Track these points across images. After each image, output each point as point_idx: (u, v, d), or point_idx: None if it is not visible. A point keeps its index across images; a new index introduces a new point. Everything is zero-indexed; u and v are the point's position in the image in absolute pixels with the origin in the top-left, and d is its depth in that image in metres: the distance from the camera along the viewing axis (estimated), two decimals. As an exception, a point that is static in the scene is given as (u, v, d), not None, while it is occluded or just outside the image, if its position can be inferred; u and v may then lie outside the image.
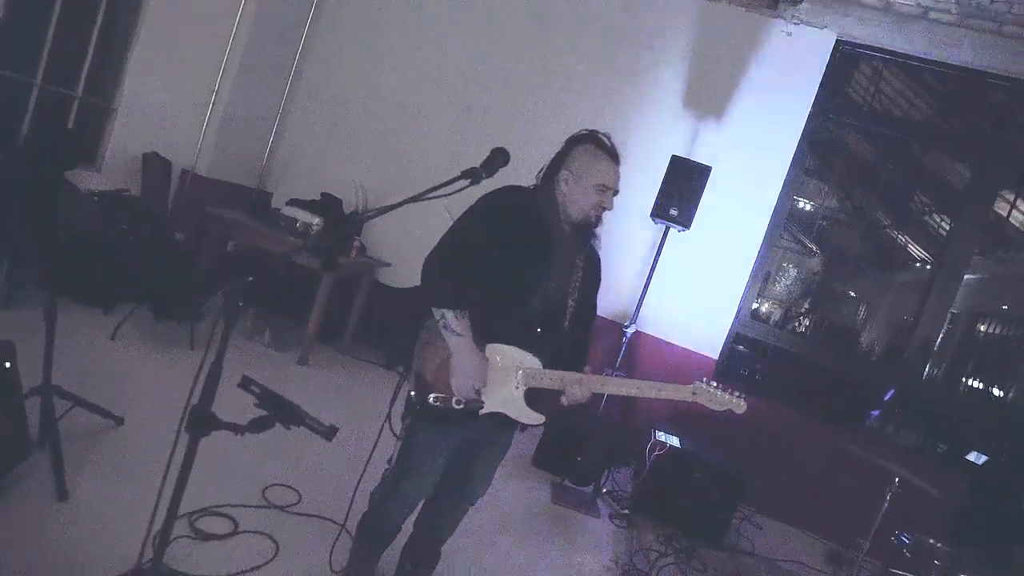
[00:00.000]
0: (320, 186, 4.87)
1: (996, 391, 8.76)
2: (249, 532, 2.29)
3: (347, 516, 2.11)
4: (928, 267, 10.39)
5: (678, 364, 4.64)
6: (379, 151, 5.25)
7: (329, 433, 1.38)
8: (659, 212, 4.05)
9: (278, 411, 1.34)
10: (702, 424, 4.24)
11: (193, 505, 2.28)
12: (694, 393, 1.80)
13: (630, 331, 4.09)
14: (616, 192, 1.89)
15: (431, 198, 1.50)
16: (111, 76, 4.37)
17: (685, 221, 4.03)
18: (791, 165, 4.63)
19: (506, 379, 1.81)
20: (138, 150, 4.54)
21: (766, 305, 10.13)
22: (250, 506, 2.45)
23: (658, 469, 3.64)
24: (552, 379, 1.80)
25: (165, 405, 3.03)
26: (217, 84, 4.80)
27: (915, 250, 10.48)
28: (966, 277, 5.31)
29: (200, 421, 1.26)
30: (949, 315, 7.02)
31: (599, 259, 2.01)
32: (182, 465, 1.31)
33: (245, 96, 5.00)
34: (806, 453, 4.39)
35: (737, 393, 1.79)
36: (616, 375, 3.80)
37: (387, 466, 1.94)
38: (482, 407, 1.79)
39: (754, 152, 4.64)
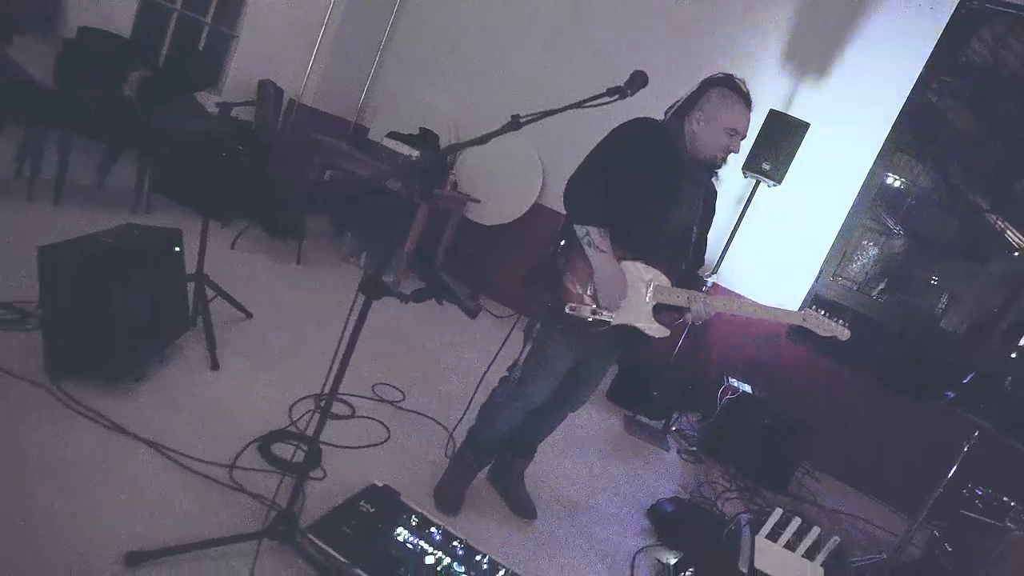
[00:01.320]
0: (417, 122, 5.08)
1: None
2: (364, 417, 2.58)
3: (460, 420, 2.36)
4: (1024, 257, 9.82)
5: (755, 324, 4.70)
6: (477, 88, 5.39)
7: (475, 309, 1.58)
8: (751, 166, 4.07)
9: (435, 284, 1.55)
10: (772, 378, 4.34)
11: (319, 388, 2.58)
12: (804, 319, 1.93)
13: (709, 282, 4.17)
14: (744, 137, 1.98)
15: (586, 106, 1.61)
16: (235, 4, 4.65)
17: (777, 176, 4.04)
18: (889, 134, 4.52)
19: (637, 293, 1.96)
20: (254, 77, 4.84)
21: (848, 283, 9.88)
22: (365, 397, 2.74)
23: (728, 412, 3.78)
24: (680, 296, 1.95)
25: (284, 308, 3.39)
26: (328, 14, 5.04)
27: (1013, 237, 9.91)
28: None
29: (373, 285, 1.48)
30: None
31: (716, 193, 2.13)
32: (355, 325, 1.53)
33: (352, 27, 5.24)
34: (874, 420, 4.42)
35: (842, 322, 1.90)
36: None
37: (508, 373, 2.15)
38: (613, 320, 1.96)
39: (853, 115, 4.55)
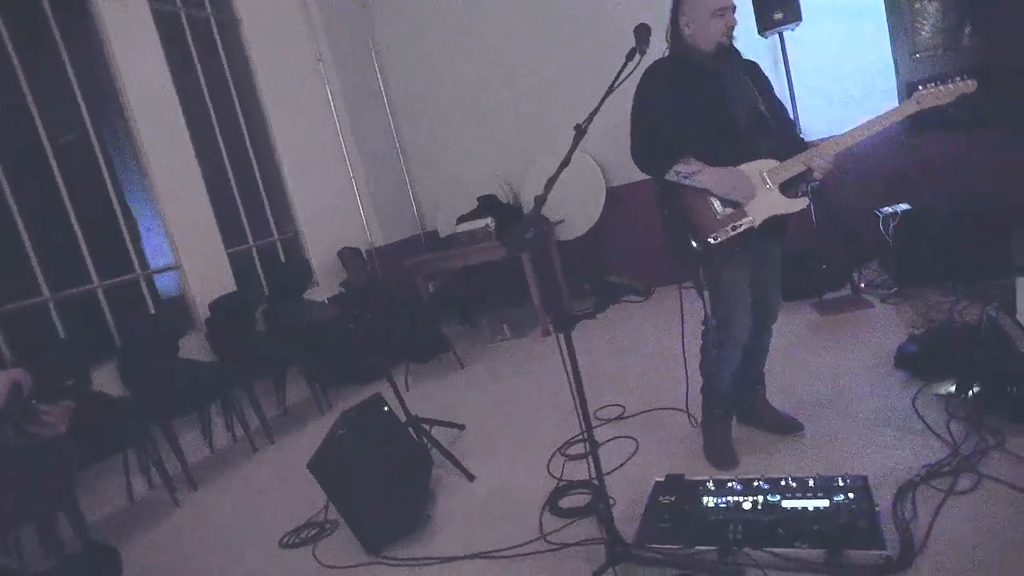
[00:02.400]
0: (471, 196, 5.42)
1: None
2: (608, 442, 2.75)
3: (687, 393, 2.49)
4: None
5: (864, 148, 4.48)
6: (487, 135, 5.71)
7: (646, 292, 1.74)
8: (765, 25, 4.02)
9: (606, 289, 1.73)
10: (919, 183, 4.11)
11: (557, 441, 2.81)
12: (918, 102, 1.93)
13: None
14: (734, 8, 2.05)
15: (618, 84, 1.77)
16: (283, 211, 5.27)
17: (794, 16, 3.96)
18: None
19: (759, 188, 2.04)
20: (331, 254, 5.39)
21: (923, 56, 9.09)
22: (596, 427, 2.92)
23: (904, 239, 3.63)
24: (793, 164, 2.01)
25: (480, 406, 3.69)
26: (349, 167, 5.59)
27: None
28: None
29: (563, 318, 1.69)
30: None
31: (756, 63, 2.19)
32: (569, 356, 1.73)
33: (371, 161, 5.76)
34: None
35: (959, 78, 1.89)
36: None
37: (704, 326, 2.27)
38: (754, 221, 2.04)
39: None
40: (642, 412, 2.95)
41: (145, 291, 4.07)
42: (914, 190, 4.14)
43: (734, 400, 2.40)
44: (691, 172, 2.01)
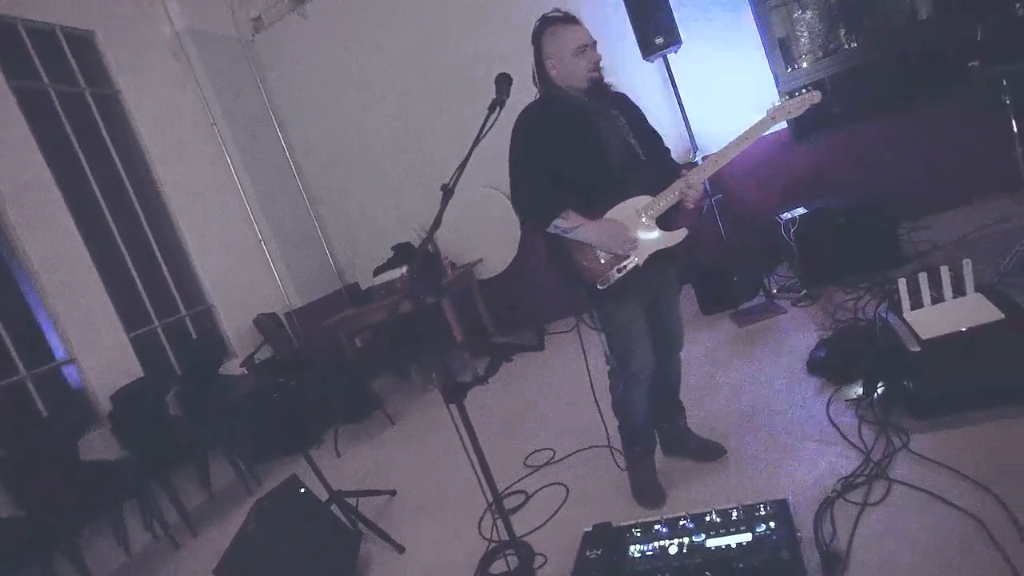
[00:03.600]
0: (386, 245, 5.30)
1: None
2: (539, 490, 2.67)
3: (607, 432, 2.44)
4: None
5: (760, 155, 4.66)
6: (397, 180, 5.64)
7: (539, 344, 1.69)
8: (648, 50, 4.14)
9: (495, 350, 1.67)
10: (813, 185, 4.28)
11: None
12: (773, 117, 1.99)
13: (700, 159, 4.21)
14: (595, 43, 2.06)
15: (483, 136, 1.73)
16: (190, 284, 5.01)
17: (674, 41, 4.10)
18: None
19: (637, 226, 2.04)
20: (246, 322, 5.15)
21: (805, 62, 9.66)
22: (526, 476, 2.84)
23: (804, 242, 3.75)
24: (666, 197, 2.02)
25: (411, 466, 3.54)
26: (257, 230, 5.40)
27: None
28: None
29: (454, 390, 1.61)
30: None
31: (625, 95, 2.19)
32: (467, 431, 1.65)
33: (279, 219, 5.60)
34: (924, 136, 4.30)
35: (804, 89, 1.96)
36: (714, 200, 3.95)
37: (607, 366, 2.24)
38: (638, 260, 2.03)
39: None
40: (572, 453, 2.88)
41: (34, 392, 3.75)
42: (810, 193, 4.31)
43: (652, 434, 2.37)
44: (571, 227, 2.00)
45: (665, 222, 2.06)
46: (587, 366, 2.35)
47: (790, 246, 3.83)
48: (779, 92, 4.65)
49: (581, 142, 2.03)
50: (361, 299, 5.26)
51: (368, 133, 5.67)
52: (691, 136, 4.30)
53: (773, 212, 4.24)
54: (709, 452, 2.38)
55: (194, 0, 5.37)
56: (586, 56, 2.02)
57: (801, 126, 4.74)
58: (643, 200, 2.04)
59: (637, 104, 2.21)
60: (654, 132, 2.20)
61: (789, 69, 4.83)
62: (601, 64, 2.06)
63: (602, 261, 2.04)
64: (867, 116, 4.55)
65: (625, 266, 2.03)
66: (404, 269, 4.68)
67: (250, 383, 4.59)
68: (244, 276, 5.29)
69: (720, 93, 4.67)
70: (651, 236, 2.05)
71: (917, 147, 4.30)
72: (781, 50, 5.17)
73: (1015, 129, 2.71)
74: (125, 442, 3.86)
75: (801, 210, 3.87)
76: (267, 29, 5.76)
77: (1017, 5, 4.62)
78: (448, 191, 1.65)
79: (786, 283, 4.02)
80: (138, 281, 4.57)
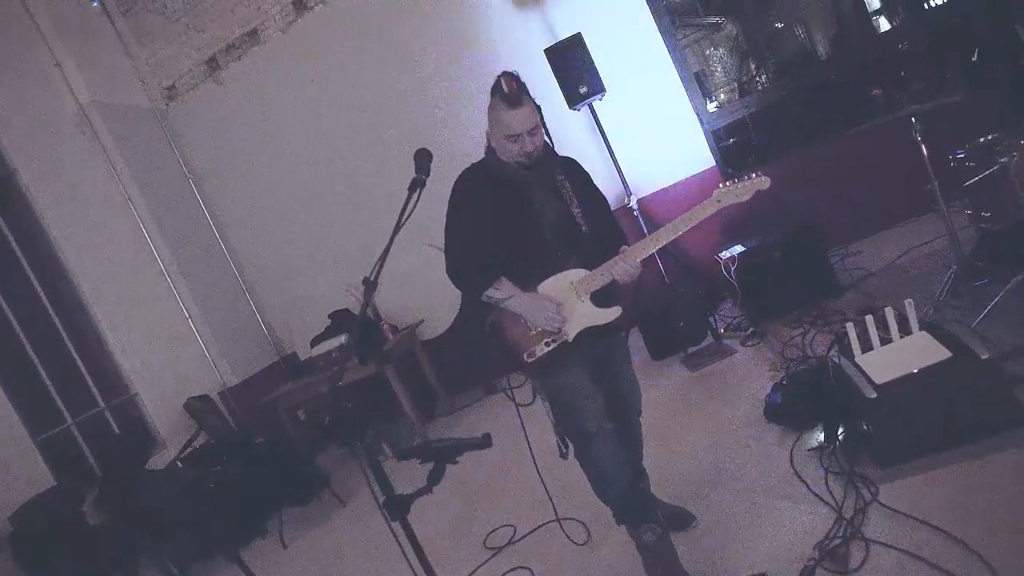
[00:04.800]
0: (322, 313, 5.05)
1: None
2: (507, 574, 2.48)
3: (553, 506, 2.29)
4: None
5: (692, 193, 4.71)
6: (332, 244, 5.44)
7: (485, 441, 1.54)
8: (573, 100, 4.15)
9: (438, 454, 1.51)
10: (748, 221, 4.33)
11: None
12: (719, 200, 1.93)
13: (634, 203, 4.21)
14: (534, 128, 1.91)
15: (403, 222, 1.63)
16: (109, 374, 4.62)
17: (598, 89, 4.13)
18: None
19: (569, 301, 1.95)
20: (176, 407, 4.78)
21: (723, 95, 10.09)
22: (489, 559, 2.64)
23: (746, 280, 3.76)
24: (601, 274, 1.94)
25: (366, 550, 3.28)
26: (183, 307, 5.07)
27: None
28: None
29: (396, 504, 1.43)
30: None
31: (573, 160, 2.12)
32: (413, 549, 1.48)
33: (206, 293, 5.27)
34: (844, 165, 4.44)
35: (754, 174, 1.92)
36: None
37: (559, 439, 2.09)
38: (568, 336, 1.94)
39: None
40: (535, 529, 2.70)
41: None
42: (744, 228, 4.36)
43: (645, 501, 2.14)
44: (502, 297, 1.91)
45: (600, 297, 1.98)
46: (527, 438, 2.20)
47: (732, 284, 3.84)
48: (704, 130, 4.75)
49: (517, 211, 1.95)
50: (300, 370, 4.98)
51: (295, 199, 5.46)
52: (623, 180, 4.30)
53: (711, 250, 4.27)
54: (679, 520, 2.26)
55: (100, 72, 5.10)
56: (517, 144, 1.91)
57: (729, 163, 4.85)
58: (578, 274, 1.96)
59: (581, 166, 2.13)
60: (601, 200, 2.13)
61: (708, 102, 4.96)
62: (534, 149, 1.93)
63: (531, 333, 1.95)
64: (789, 149, 4.70)
65: (554, 340, 1.94)
66: (343, 338, 4.45)
67: (182, 476, 4.22)
68: (171, 358, 4.93)
69: (648, 135, 4.73)
70: (583, 311, 1.96)
71: (840, 176, 4.44)
72: (700, 87, 5.35)
73: (927, 164, 2.79)
74: (31, 568, 3.42)
75: (739, 247, 3.90)
76: (182, 98, 5.53)
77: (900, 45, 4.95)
78: (371, 284, 1.53)
79: (732, 322, 4.01)
80: (45, 377, 4.17)
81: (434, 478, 1.51)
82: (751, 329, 3.72)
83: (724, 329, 3.94)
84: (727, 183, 1.96)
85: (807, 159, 4.56)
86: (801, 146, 4.69)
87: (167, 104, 5.56)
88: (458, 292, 2.04)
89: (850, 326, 2.22)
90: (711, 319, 3.85)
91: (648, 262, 4.04)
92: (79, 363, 4.43)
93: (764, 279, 3.73)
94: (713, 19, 10.10)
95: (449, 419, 4.81)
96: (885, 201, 4.37)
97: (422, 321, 4.92)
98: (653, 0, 4.69)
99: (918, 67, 5.16)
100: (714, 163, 4.74)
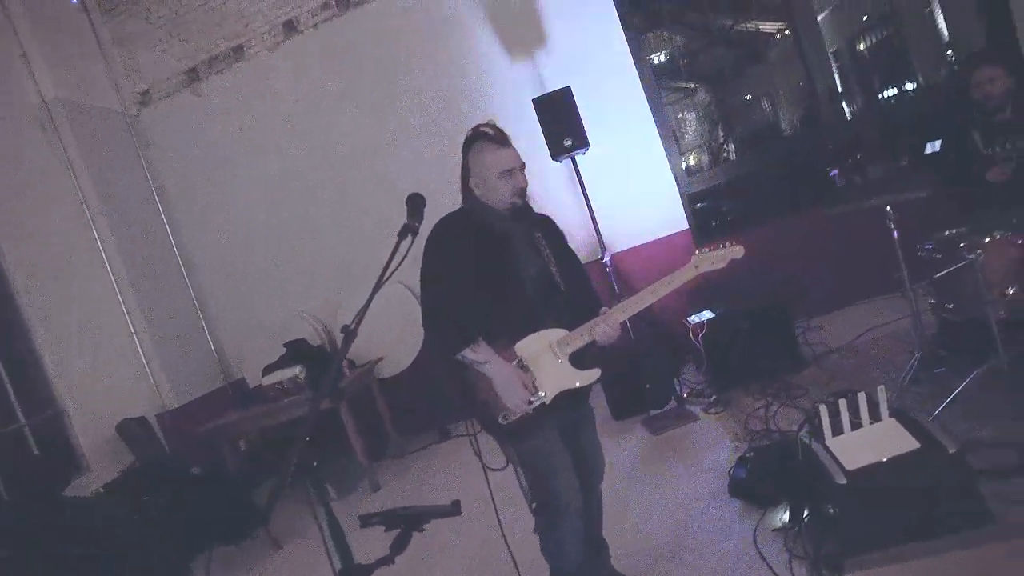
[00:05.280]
0: (278, 341, 4.85)
1: (909, 86, 9.34)
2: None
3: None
4: (786, 33, 10.91)
5: (664, 254, 4.77)
6: (294, 273, 5.28)
7: (455, 509, 1.44)
8: (556, 151, 4.17)
9: (405, 522, 1.40)
10: (718, 290, 4.37)
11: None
12: (697, 266, 1.95)
13: (608, 259, 4.22)
14: (523, 166, 1.96)
15: (392, 272, 1.57)
16: (37, 387, 4.29)
17: (582, 143, 4.16)
18: (626, 36, 4.79)
19: (548, 361, 1.90)
20: (109, 428, 4.47)
21: (692, 158, 10.44)
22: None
23: (713, 347, 3.78)
24: (581, 335, 1.91)
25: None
26: (129, 320, 4.80)
27: (766, 28, 10.94)
28: (819, 17, 5.62)
29: (354, 574, 1.32)
30: (831, 56, 7.35)
31: (549, 218, 2.11)
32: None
33: (157, 308, 5.01)
34: (811, 242, 4.57)
35: (729, 243, 1.95)
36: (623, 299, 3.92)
37: (531, 506, 2.01)
38: (546, 398, 1.88)
39: (591, 47, 4.78)
40: (487, 594, 2.58)
41: None
42: (712, 294, 4.40)
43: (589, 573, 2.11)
44: (479, 361, 1.84)
45: (577, 359, 1.93)
46: (494, 503, 2.05)
47: (698, 350, 3.85)
48: (680, 193, 4.84)
49: (499, 266, 1.91)
50: (248, 398, 4.73)
51: (262, 221, 5.30)
52: (599, 235, 4.32)
53: (680, 313, 4.29)
54: (637, 595, 2.17)
55: (70, 69, 4.91)
56: (511, 180, 1.92)
57: (701, 229, 4.94)
58: (557, 333, 1.92)
59: (557, 226, 2.12)
60: (574, 259, 2.11)
61: (684, 164, 5.10)
62: (526, 185, 1.96)
63: (505, 402, 1.87)
64: (761, 220, 4.82)
65: (531, 402, 1.87)
66: (298, 369, 4.26)
67: (104, 506, 3.91)
68: (108, 374, 4.63)
69: (626, 192, 4.79)
70: (562, 373, 1.91)
71: (806, 251, 4.56)
72: (679, 148, 5.50)
73: (899, 252, 2.87)
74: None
75: (708, 314, 3.93)
76: (155, 104, 5.36)
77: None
78: (351, 332, 1.43)
79: (695, 387, 4.01)
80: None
81: (398, 546, 1.40)
82: (714, 396, 3.72)
83: (687, 394, 3.93)
84: (704, 249, 2.00)
85: (776, 231, 4.68)
86: (771, 219, 4.82)
87: (139, 109, 5.38)
88: (418, 331, 1.96)
89: (823, 407, 2.21)
90: (677, 382, 3.84)
91: (608, 362, 4.05)
92: (2, 375, 4.11)
93: (730, 348, 3.75)
94: (688, 84, 10.56)
95: (399, 463, 4.63)
96: (849, 279, 4.50)
97: (381, 359, 4.77)
98: (640, 61, 4.84)
99: (875, 153, 5.45)
100: (687, 226, 4.83)
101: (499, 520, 2.08)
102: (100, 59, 5.26)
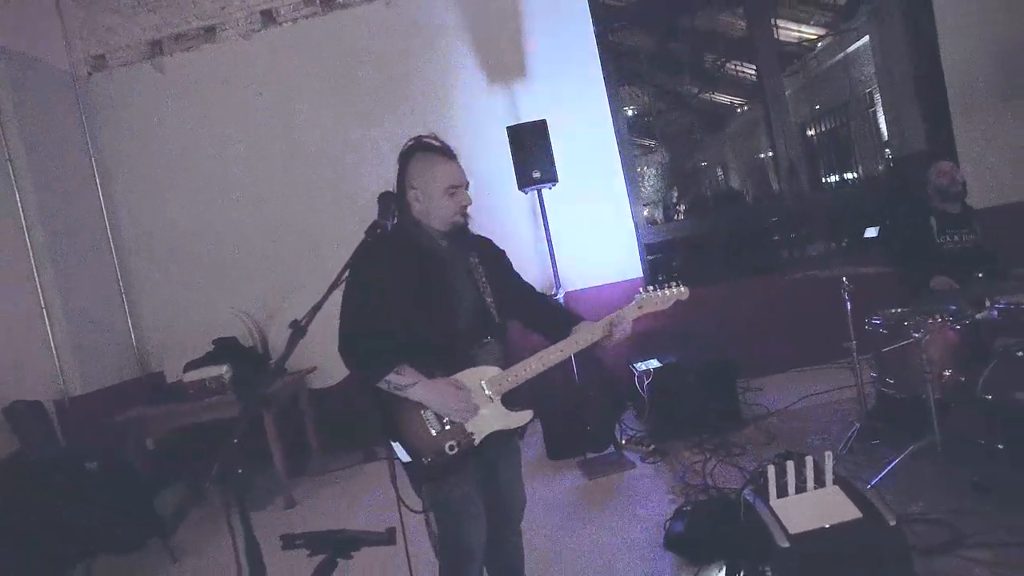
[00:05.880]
0: (207, 337, 4.55)
1: (849, 175, 10.02)
2: None
3: None
4: (747, 108, 11.54)
5: (614, 298, 4.75)
6: (235, 268, 5.01)
7: (389, 537, 1.31)
8: (524, 182, 4.14)
9: (333, 546, 1.26)
10: (665, 338, 4.41)
11: None
12: (640, 306, 1.89)
13: (560, 296, 4.19)
14: (467, 184, 1.83)
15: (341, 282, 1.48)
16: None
17: (550, 178, 4.16)
18: (605, 84, 4.89)
19: (478, 399, 1.76)
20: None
21: (646, 210, 10.77)
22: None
23: (656, 394, 3.77)
24: (517, 373, 1.79)
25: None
26: (41, 293, 4.40)
27: (724, 100, 11.58)
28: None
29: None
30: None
31: (489, 240, 1.98)
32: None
33: (75, 284, 4.62)
34: (756, 307, 4.69)
35: (674, 284, 1.92)
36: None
37: (437, 546, 1.84)
38: (475, 437, 1.75)
39: (569, 86, 4.83)
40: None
41: None
42: (659, 343, 4.43)
43: None
44: (405, 384, 1.67)
45: (511, 398, 1.81)
46: (406, 547, 1.83)
47: (641, 397, 3.82)
48: (638, 242, 4.90)
49: (431, 291, 1.75)
50: (165, 394, 4.37)
51: (207, 211, 5.02)
52: (555, 271, 4.28)
53: (625, 358, 4.28)
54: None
55: (19, 17, 4.58)
56: (457, 197, 1.78)
57: (653, 279, 5.00)
58: (490, 371, 1.78)
59: (497, 246, 1.99)
60: (520, 283, 1.98)
61: (646, 212, 5.19)
62: (469, 204, 1.83)
63: (433, 433, 1.72)
64: (716, 279, 4.93)
65: (458, 444, 1.72)
66: (224, 368, 3.99)
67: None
68: (7, 350, 4.21)
69: (586, 232, 4.80)
70: (492, 412, 1.77)
71: (753, 314, 4.67)
72: (641, 198, 5.61)
73: (850, 324, 2.95)
74: None
75: (655, 362, 3.93)
76: (110, 71, 5.06)
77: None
78: (300, 329, 1.30)
79: (634, 434, 3.97)
80: None
81: (325, 571, 1.25)
82: (653, 446, 3.69)
83: (626, 441, 3.89)
84: (650, 289, 1.95)
85: (726, 292, 4.78)
86: (723, 279, 4.94)
87: (89, 73, 5.06)
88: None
89: (770, 468, 2.19)
90: (617, 427, 3.80)
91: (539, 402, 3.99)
92: None
93: (675, 398, 3.75)
94: (648, 142, 10.98)
95: (319, 480, 4.37)
96: (792, 345, 4.62)
97: (315, 368, 4.54)
98: (616, 112, 4.92)
99: (819, 230, 5.74)
100: (642, 274, 4.87)
101: (407, 554, 1.90)
102: (55, 13, 4.94)
